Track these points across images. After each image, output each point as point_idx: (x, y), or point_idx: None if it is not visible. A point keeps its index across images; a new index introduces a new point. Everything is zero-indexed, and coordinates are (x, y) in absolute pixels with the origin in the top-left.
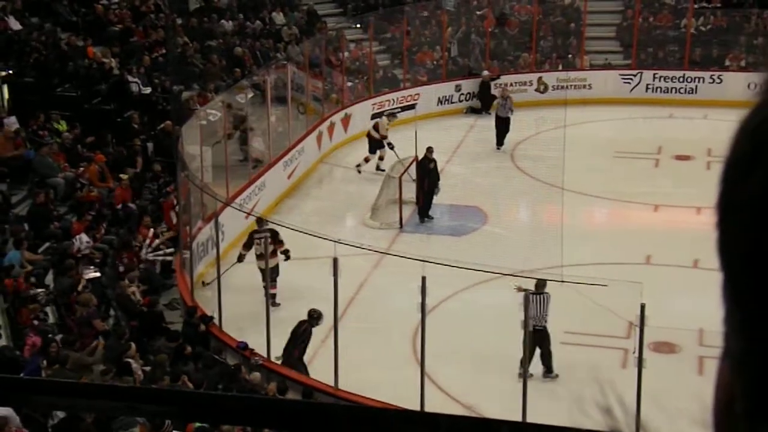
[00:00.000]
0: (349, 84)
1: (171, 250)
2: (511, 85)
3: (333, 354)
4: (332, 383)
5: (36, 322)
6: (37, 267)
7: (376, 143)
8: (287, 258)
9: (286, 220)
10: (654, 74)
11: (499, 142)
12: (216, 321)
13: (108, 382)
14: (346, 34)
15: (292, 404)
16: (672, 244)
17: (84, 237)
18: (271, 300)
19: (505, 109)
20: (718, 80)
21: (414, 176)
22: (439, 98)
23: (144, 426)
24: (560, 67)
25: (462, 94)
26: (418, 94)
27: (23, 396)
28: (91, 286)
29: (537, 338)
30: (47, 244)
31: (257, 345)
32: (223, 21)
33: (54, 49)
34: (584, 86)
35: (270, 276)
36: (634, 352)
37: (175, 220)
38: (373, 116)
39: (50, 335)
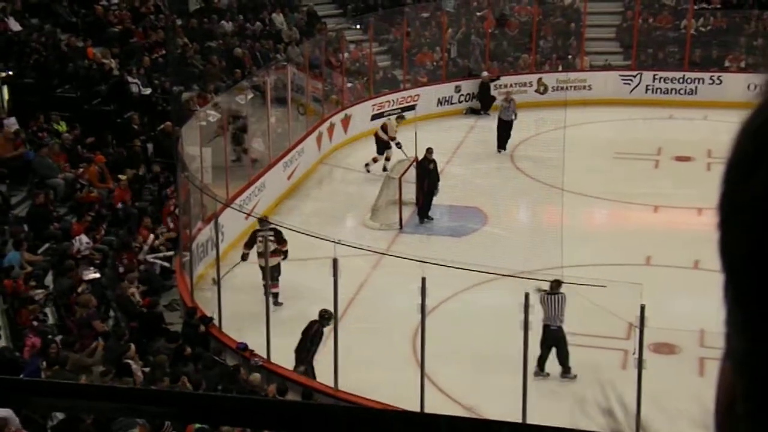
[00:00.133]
0: (349, 85)
1: (171, 253)
2: (512, 86)
3: (333, 355)
4: (332, 384)
5: (35, 323)
6: (37, 268)
7: (383, 144)
8: (284, 257)
9: (285, 220)
10: (654, 75)
11: (501, 145)
12: (216, 322)
13: (108, 383)
14: (346, 35)
15: (291, 405)
16: (672, 245)
17: (84, 238)
18: (273, 299)
19: (509, 112)
20: (718, 81)
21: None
22: (438, 99)
23: (143, 427)
24: (560, 68)
25: (462, 95)
26: (418, 95)
27: (23, 397)
28: (91, 287)
29: (552, 338)
30: (47, 245)
31: (257, 345)
32: (223, 22)
33: (54, 50)
34: (584, 87)
35: (272, 275)
36: (634, 353)
37: (173, 225)
38: (373, 117)
39: (50, 336)
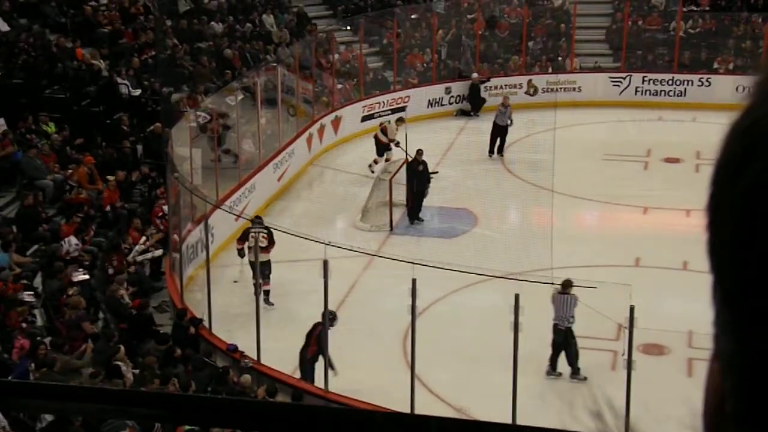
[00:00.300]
0: (339, 86)
1: (159, 251)
2: (504, 87)
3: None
4: (322, 386)
5: (24, 325)
6: (26, 269)
7: (383, 146)
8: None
9: (276, 222)
10: (643, 77)
11: (498, 150)
12: (206, 323)
13: (97, 385)
14: (336, 36)
15: (281, 407)
16: (661, 246)
17: (73, 239)
18: (264, 297)
19: (504, 117)
20: (706, 83)
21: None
22: (429, 101)
23: (133, 429)
24: (550, 70)
25: (452, 96)
26: (408, 96)
27: (11, 399)
28: (80, 289)
29: (560, 338)
30: (36, 247)
31: (247, 347)
32: (212, 23)
33: (43, 51)
34: (574, 89)
35: (263, 273)
36: (623, 354)
37: (162, 226)
38: (364, 118)
39: (39, 338)
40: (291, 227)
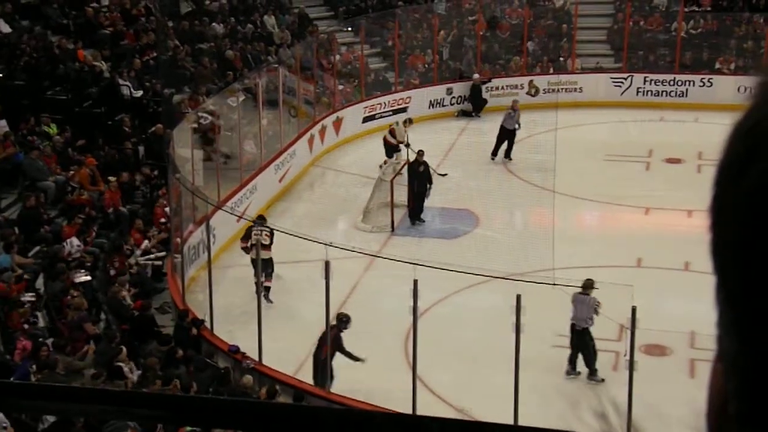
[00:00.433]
0: (341, 87)
1: (162, 254)
2: (503, 88)
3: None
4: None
5: (26, 326)
6: (28, 271)
7: (392, 148)
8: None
9: (277, 223)
10: (645, 77)
11: (506, 154)
12: (207, 324)
13: (99, 386)
14: (337, 37)
15: (282, 408)
16: (663, 246)
17: (75, 240)
18: (264, 292)
19: (512, 120)
20: (708, 83)
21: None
22: (430, 101)
23: (135, 430)
24: (551, 71)
25: (453, 97)
26: (409, 97)
27: (14, 400)
28: (82, 290)
29: (577, 338)
30: (38, 248)
31: (248, 348)
32: (214, 24)
33: (44, 52)
34: (575, 89)
35: (265, 269)
36: (625, 355)
37: (164, 227)
38: (365, 119)
39: (41, 339)
40: (292, 228)
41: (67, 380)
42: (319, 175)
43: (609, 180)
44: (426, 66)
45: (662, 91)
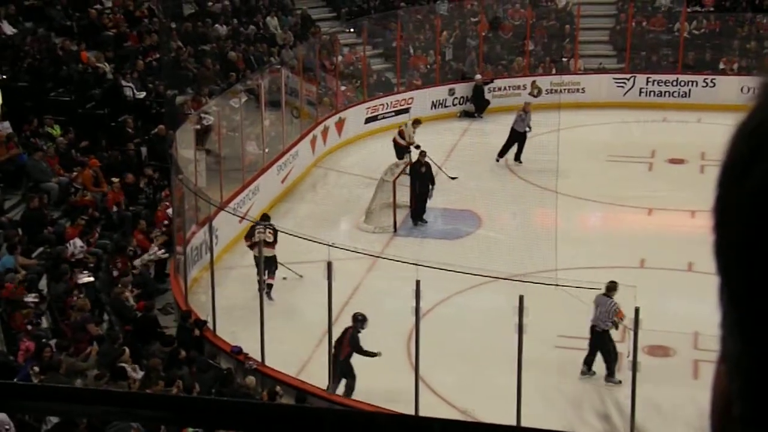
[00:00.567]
0: (343, 88)
1: (165, 255)
2: (506, 89)
3: (327, 358)
4: (326, 387)
5: (30, 327)
6: (31, 272)
7: (402, 149)
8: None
9: (280, 223)
10: (647, 78)
11: (516, 157)
12: (210, 325)
13: (102, 387)
14: (339, 38)
15: (285, 409)
16: (666, 247)
17: (78, 241)
18: (266, 289)
19: (523, 123)
20: (711, 84)
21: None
22: (432, 102)
23: (138, 431)
24: (554, 71)
25: (456, 98)
26: (412, 98)
27: (17, 401)
28: (85, 291)
29: (596, 339)
30: (41, 249)
31: (251, 348)
32: (217, 25)
33: (48, 54)
34: (578, 90)
35: (269, 268)
36: (628, 356)
37: (166, 228)
38: (367, 120)
39: (44, 340)
40: (295, 229)
41: (70, 381)
42: (321, 176)
43: (612, 180)
44: (428, 67)
45: (665, 92)
